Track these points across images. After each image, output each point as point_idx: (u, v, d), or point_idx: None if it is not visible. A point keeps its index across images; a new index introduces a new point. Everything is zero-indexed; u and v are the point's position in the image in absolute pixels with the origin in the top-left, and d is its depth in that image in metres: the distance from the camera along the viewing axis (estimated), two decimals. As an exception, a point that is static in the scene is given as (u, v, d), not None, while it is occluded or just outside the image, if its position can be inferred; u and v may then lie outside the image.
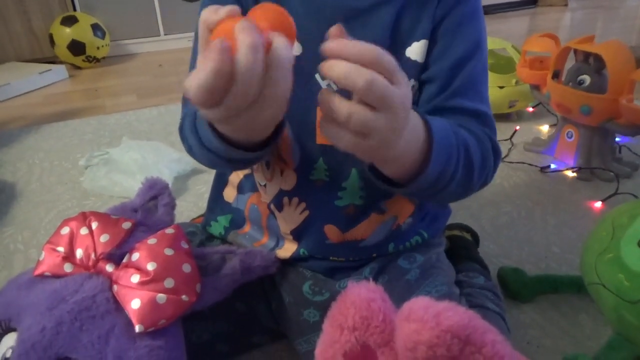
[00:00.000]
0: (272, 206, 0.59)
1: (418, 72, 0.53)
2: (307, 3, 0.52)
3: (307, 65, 0.50)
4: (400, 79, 0.35)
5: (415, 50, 0.53)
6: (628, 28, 2.62)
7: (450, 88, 0.52)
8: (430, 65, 0.53)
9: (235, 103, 0.32)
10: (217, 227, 0.65)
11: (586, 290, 0.69)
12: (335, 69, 0.34)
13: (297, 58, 0.52)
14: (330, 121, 0.35)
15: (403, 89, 0.35)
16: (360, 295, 0.35)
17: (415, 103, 0.54)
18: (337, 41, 0.34)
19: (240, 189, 0.63)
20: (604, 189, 1.04)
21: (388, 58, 0.35)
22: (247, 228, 0.64)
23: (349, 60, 0.33)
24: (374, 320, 0.34)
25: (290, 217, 0.59)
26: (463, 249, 0.76)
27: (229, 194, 0.65)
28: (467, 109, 0.52)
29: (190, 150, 0.53)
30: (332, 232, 0.58)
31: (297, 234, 0.59)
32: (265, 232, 0.62)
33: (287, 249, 0.60)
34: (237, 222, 0.64)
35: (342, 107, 0.34)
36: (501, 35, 1.57)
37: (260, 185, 0.60)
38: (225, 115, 0.33)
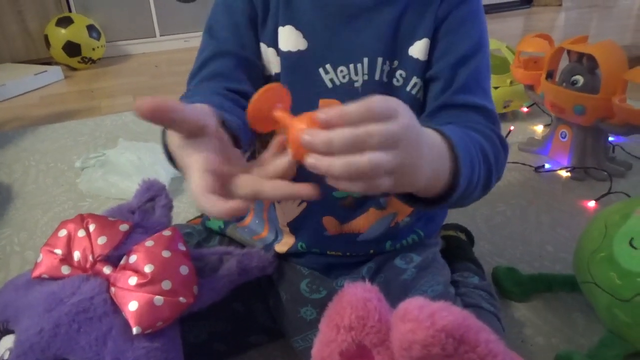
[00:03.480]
0: None
1: (421, 70, 0.54)
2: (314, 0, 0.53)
3: (311, 60, 0.52)
4: (394, 111, 0.34)
5: (418, 49, 0.53)
6: (622, 27, 2.64)
7: (454, 85, 0.53)
8: (434, 64, 0.54)
9: None
10: (216, 221, 0.66)
11: (580, 289, 0.69)
12: (335, 164, 0.33)
13: (302, 52, 0.54)
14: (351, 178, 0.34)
15: (400, 119, 0.34)
16: (356, 295, 0.35)
17: (421, 101, 0.55)
18: (328, 113, 0.33)
19: None
20: (598, 188, 1.04)
21: (374, 102, 0.34)
22: (248, 220, 0.64)
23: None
24: (370, 319, 0.34)
25: (289, 208, 0.59)
26: (458, 249, 0.77)
27: None
28: (473, 104, 0.52)
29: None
30: (330, 223, 0.59)
31: (295, 227, 0.60)
32: (265, 224, 0.63)
33: (286, 243, 0.61)
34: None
35: (363, 162, 0.32)
36: (496, 36, 1.58)
37: None
38: None
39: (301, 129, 0.34)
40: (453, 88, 0.53)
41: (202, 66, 0.55)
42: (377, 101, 0.34)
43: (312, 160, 0.33)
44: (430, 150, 0.38)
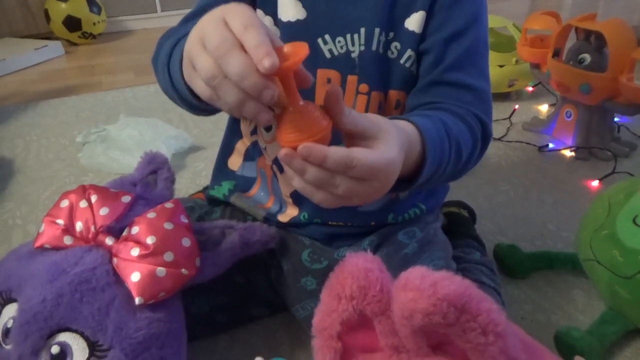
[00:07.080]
0: (274, 167, 0.60)
1: (416, 42, 0.54)
2: None
3: (310, 30, 0.52)
4: (373, 176, 0.37)
5: (414, 21, 0.53)
6: (630, 7, 2.59)
7: (446, 61, 0.53)
8: (427, 37, 0.54)
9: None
10: (221, 190, 0.66)
11: (581, 267, 0.70)
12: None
13: (301, 22, 0.54)
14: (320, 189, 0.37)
15: (375, 184, 0.37)
16: (358, 265, 0.35)
17: (414, 74, 0.55)
18: (311, 151, 0.35)
19: (249, 156, 0.64)
20: (602, 168, 1.04)
21: (359, 160, 0.36)
22: (254, 190, 0.64)
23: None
24: (372, 289, 0.34)
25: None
26: (460, 226, 0.77)
27: (234, 161, 0.65)
28: (463, 83, 0.53)
29: (155, 63, 0.53)
30: None
31: (297, 197, 0.60)
32: (271, 195, 0.63)
33: (289, 214, 0.61)
34: (241, 187, 0.65)
35: (317, 196, 0.38)
36: (502, 14, 1.55)
37: (262, 148, 0.61)
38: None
39: (286, 138, 0.36)
40: (444, 64, 0.53)
41: (199, 12, 0.55)
42: (361, 161, 0.35)
43: (284, 159, 0.36)
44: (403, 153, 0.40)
